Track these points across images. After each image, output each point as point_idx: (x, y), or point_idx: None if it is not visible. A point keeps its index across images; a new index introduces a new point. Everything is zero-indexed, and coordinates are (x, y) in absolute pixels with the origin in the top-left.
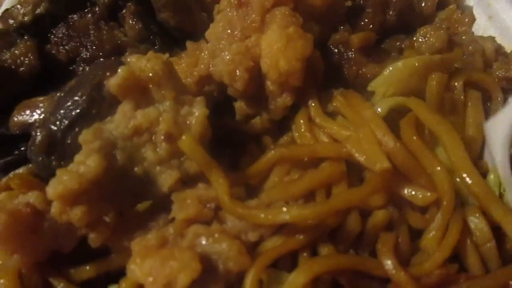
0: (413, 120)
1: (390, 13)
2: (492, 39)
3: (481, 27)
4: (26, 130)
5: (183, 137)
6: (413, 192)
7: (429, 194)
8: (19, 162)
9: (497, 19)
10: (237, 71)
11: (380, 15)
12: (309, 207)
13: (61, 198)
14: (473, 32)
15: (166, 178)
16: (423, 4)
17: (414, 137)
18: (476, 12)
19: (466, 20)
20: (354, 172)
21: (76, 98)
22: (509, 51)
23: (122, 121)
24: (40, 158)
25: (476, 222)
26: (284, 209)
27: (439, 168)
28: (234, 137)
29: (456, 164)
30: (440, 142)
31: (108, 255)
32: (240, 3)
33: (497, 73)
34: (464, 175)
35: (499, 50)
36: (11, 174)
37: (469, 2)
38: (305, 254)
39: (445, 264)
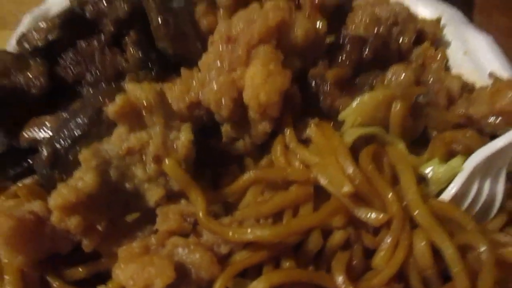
0: (371, 151)
1: (366, 51)
2: (458, 78)
3: (458, 61)
4: (33, 145)
5: (166, 161)
6: (368, 215)
7: (381, 216)
8: (26, 173)
9: (473, 55)
10: (223, 100)
11: (357, 53)
12: (270, 229)
13: (60, 208)
14: (449, 66)
15: (153, 194)
16: (400, 41)
17: (370, 166)
18: (453, 47)
19: (439, 57)
20: (323, 194)
21: (79, 120)
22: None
23: (117, 142)
24: (45, 171)
25: (419, 248)
26: (249, 230)
27: (390, 194)
28: (219, 157)
29: (405, 193)
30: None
31: (98, 259)
32: (229, 39)
33: (457, 111)
34: (411, 204)
35: (465, 87)
36: (19, 184)
37: (447, 38)
38: (269, 267)
39: (391, 283)
